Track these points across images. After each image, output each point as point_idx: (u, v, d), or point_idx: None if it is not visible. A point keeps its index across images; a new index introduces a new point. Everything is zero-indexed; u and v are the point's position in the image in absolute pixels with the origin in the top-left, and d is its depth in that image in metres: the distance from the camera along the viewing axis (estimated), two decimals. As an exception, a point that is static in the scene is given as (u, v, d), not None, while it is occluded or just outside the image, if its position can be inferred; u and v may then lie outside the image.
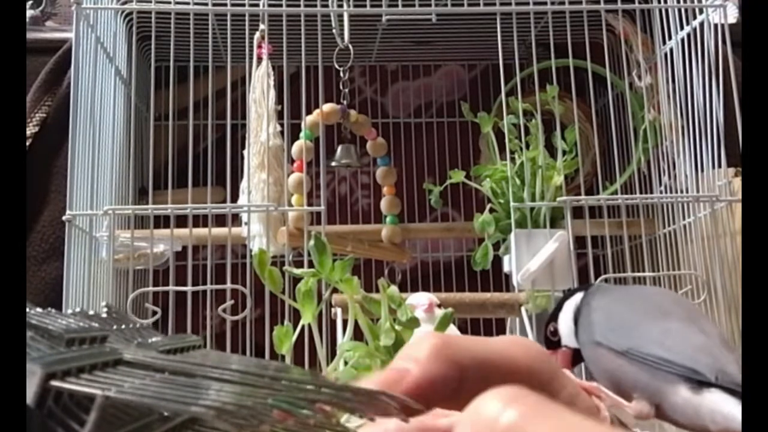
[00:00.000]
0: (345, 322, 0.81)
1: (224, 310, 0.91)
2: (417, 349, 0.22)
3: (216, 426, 0.18)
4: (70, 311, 0.21)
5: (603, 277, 0.99)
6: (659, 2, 1.12)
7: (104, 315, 0.23)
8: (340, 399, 0.18)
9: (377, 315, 0.66)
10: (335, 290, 0.73)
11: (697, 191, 1.04)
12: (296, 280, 0.72)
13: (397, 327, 0.60)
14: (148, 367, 0.18)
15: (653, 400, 0.61)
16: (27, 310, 0.19)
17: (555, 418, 0.18)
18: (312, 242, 0.63)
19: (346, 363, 0.62)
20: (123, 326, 0.23)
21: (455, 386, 0.22)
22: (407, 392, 0.21)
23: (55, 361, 0.16)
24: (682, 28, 1.09)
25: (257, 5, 1.04)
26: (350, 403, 0.18)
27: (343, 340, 0.73)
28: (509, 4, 1.04)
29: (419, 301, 0.76)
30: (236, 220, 1.11)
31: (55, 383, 0.15)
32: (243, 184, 1.05)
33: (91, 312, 0.23)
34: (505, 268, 1.08)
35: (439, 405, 0.22)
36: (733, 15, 1.31)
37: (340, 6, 1.05)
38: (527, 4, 1.05)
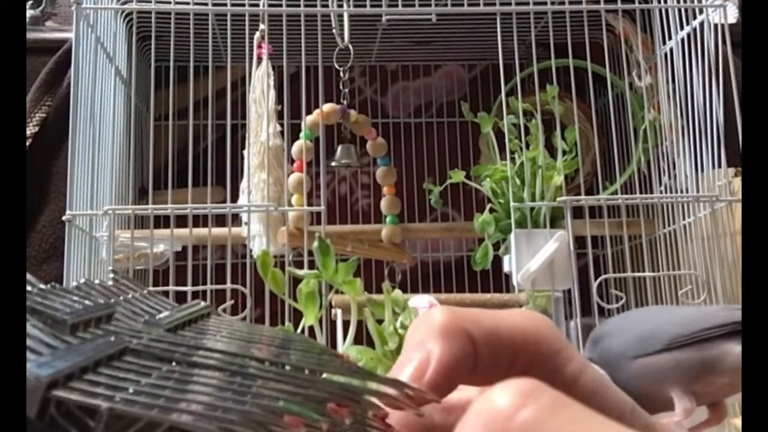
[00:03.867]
0: (345, 323, 0.81)
1: (224, 310, 0.91)
2: (427, 330, 0.21)
3: None
4: (74, 284, 0.21)
5: (603, 277, 0.99)
6: (659, 2, 1.12)
7: (110, 284, 0.23)
8: (353, 394, 0.18)
9: (379, 317, 0.66)
10: (336, 291, 0.73)
11: (697, 191, 1.04)
12: (296, 280, 0.72)
13: (401, 331, 0.60)
14: (155, 358, 0.18)
15: (705, 381, 0.64)
16: (30, 289, 0.19)
17: (574, 419, 0.17)
18: (316, 244, 0.63)
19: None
20: (130, 295, 0.23)
21: (473, 360, 0.21)
22: (432, 383, 0.20)
23: (57, 363, 0.15)
24: (682, 28, 1.09)
25: (257, 5, 1.04)
26: (364, 400, 0.18)
27: (344, 341, 0.73)
28: (509, 4, 1.04)
29: (420, 303, 0.76)
30: (236, 220, 1.11)
31: (57, 393, 0.15)
32: (243, 184, 1.05)
33: (97, 282, 0.22)
34: (505, 268, 1.08)
35: (462, 382, 0.21)
36: (733, 15, 1.31)
37: (340, 6, 1.05)
38: (527, 4, 1.05)
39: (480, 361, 0.21)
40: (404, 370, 0.20)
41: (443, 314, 0.21)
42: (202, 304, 0.24)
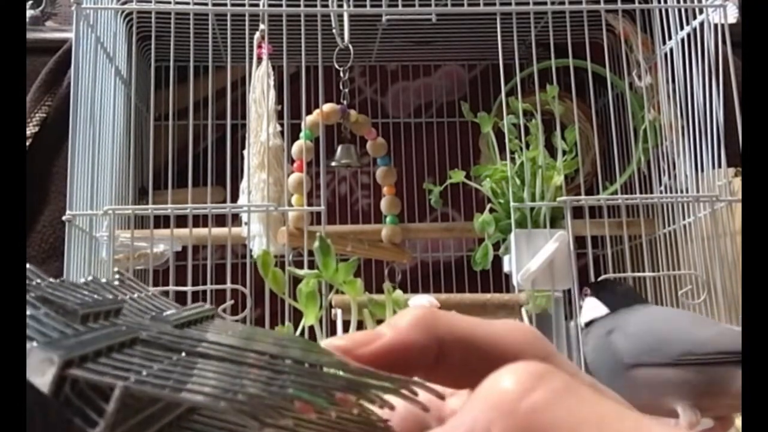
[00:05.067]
0: (345, 323, 0.81)
1: (224, 310, 0.91)
2: (398, 317, 0.22)
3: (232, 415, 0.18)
4: (82, 280, 0.21)
5: (603, 277, 0.98)
6: (659, 2, 1.12)
7: (117, 283, 0.23)
8: (357, 386, 0.18)
9: (380, 317, 0.66)
10: (336, 290, 0.73)
11: (697, 191, 1.04)
12: (296, 280, 0.72)
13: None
14: (164, 348, 0.18)
15: (708, 400, 0.64)
16: (40, 281, 0.19)
17: (585, 404, 0.16)
18: (317, 244, 0.63)
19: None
20: (136, 294, 0.23)
21: (432, 357, 0.21)
22: (377, 353, 0.20)
23: (72, 345, 0.16)
24: (682, 28, 1.09)
25: (257, 5, 1.04)
26: (370, 392, 0.18)
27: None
28: (509, 4, 1.04)
29: (419, 304, 0.76)
30: (236, 220, 1.11)
31: (73, 371, 0.15)
32: (243, 184, 1.05)
33: (104, 280, 0.23)
34: (505, 268, 1.08)
35: (418, 375, 0.21)
36: (733, 15, 1.31)
37: (340, 6, 1.05)
38: (527, 4, 1.05)
39: (447, 359, 0.21)
40: (354, 336, 0.21)
41: (420, 310, 0.22)
42: (207, 306, 0.24)
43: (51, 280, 0.19)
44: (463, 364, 0.21)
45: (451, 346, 0.21)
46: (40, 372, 0.15)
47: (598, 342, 0.70)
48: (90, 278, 0.22)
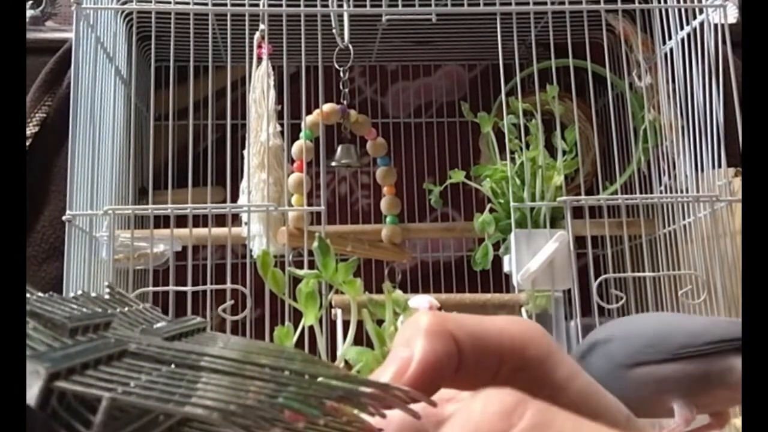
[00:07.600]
0: (345, 323, 0.81)
1: (224, 310, 0.91)
2: (412, 331, 0.21)
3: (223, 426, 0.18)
4: (72, 294, 0.21)
5: (603, 277, 0.98)
6: (659, 2, 1.12)
7: (107, 297, 0.23)
8: (350, 395, 0.18)
9: (379, 317, 0.66)
10: (336, 290, 0.73)
11: (697, 191, 1.04)
12: (296, 280, 0.72)
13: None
14: (153, 360, 0.18)
15: (708, 393, 0.64)
16: (29, 296, 0.19)
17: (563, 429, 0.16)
18: (316, 244, 0.63)
19: (347, 363, 0.62)
20: (126, 308, 0.23)
21: (455, 363, 0.21)
22: (414, 380, 0.20)
23: (59, 357, 0.15)
24: (682, 28, 1.09)
25: (257, 5, 1.04)
26: (361, 400, 0.18)
27: (344, 341, 0.73)
28: (509, 4, 1.04)
29: (419, 304, 0.76)
30: (236, 220, 1.11)
31: (59, 384, 0.15)
32: (243, 184, 1.05)
33: (94, 294, 0.22)
34: (505, 268, 1.08)
35: (446, 384, 0.21)
36: (733, 15, 1.31)
37: (340, 6, 1.05)
38: (527, 4, 1.05)
39: (464, 362, 0.21)
40: (387, 369, 0.20)
41: (429, 316, 0.21)
42: (198, 319, 0.24)
43: (40, 294, 0.19)
44: (477, 361, 0.21)
45: (467, 346, 0.21)
46: (27, 384, 0.15)
47: (599, 360, 0.69)
48: (80, 292, 0.22)
